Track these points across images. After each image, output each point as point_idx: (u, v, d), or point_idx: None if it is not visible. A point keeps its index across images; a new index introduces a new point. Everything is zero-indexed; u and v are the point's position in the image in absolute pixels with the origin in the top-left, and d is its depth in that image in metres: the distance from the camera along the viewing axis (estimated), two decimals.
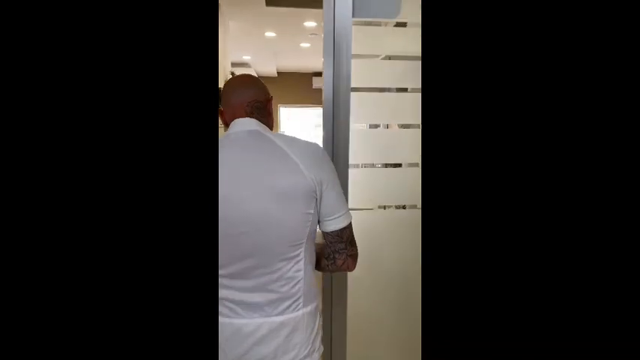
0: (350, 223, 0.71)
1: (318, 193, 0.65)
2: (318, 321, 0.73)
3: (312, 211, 0.66)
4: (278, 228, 0.64)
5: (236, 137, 0.68)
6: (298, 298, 0.68)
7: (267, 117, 0.74)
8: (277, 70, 5.65)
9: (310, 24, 3.41)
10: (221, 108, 0.74)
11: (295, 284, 0.67)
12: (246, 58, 4.72)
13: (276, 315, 0.66)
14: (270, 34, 3.72)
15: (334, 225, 0.68)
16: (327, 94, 1.08)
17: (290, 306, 0.67)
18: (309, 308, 0.70)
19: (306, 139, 0.70)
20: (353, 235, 0.72)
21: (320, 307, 0.75)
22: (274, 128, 0.78)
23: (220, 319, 0.66)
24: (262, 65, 5.20)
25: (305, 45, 4.21)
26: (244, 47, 4.17)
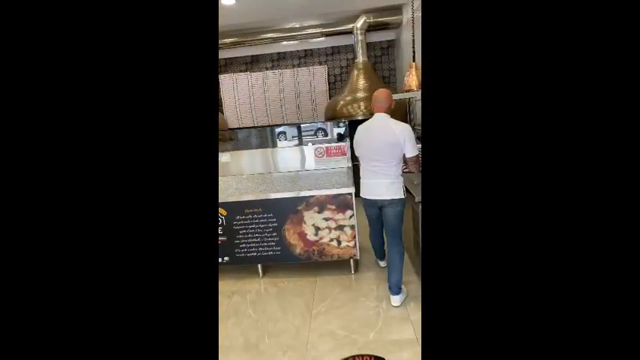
0: (418, 154, 2.05)
1: (402, 144, 1.98)
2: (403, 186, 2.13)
3: (400, 150, 2.01)
4: (386, 154, 2.05)
5: (375, 120, 2.08)
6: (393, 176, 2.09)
7: (390, 111, 2.10)
8: None
9: None
10: (373, 103, 2.12)
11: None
12: None
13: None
14: None
15: (409, 154, 2.01)
16: None
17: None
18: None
19: (403, 123, 2.03)
20: (419, 159, 2.09)
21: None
22: None
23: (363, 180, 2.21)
24: None
25: None
26: None
